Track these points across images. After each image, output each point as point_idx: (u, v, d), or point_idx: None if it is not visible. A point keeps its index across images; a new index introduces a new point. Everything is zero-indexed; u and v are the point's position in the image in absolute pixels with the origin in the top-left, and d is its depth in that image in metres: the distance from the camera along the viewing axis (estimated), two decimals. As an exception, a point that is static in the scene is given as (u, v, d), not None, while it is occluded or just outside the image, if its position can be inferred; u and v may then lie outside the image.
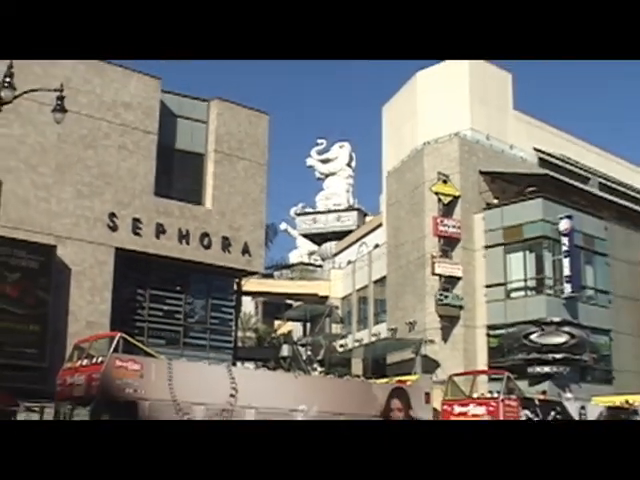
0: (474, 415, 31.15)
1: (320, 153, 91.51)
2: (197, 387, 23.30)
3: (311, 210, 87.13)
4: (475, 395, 33.74)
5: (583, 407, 35.19)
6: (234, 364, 33.39)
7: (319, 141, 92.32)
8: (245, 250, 36.39)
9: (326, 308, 61.78)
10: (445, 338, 47.07)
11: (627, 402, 38.41)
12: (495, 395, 31.84)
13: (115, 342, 22.01)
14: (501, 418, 30.21)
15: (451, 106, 50.57)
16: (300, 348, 56.15)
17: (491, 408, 30.66)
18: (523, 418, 31.10)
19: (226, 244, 35.81)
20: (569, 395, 40.37)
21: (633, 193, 61.23)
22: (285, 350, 52.12)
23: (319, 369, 50.92)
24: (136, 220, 33.43)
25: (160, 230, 33.99)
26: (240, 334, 50.27)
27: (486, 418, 30.55)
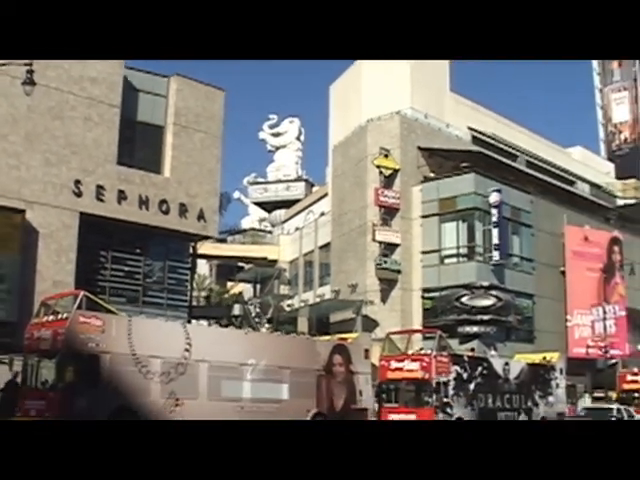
0: (409, 370, 31.56)
1: (271, 127, 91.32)
2: (154, 342, 23.43)
3: (262, 180, 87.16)
4: (410, 352, 34.12)
5: (507, 363, 35.83)
6: (189, 321, 33.46)
7: (271, 116, 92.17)
8: (200, 216, 36.38)
9: (275, 271, 61.97)
10: (384, 300, 47.58)
11: (545, 359, 39.17)
12: (428, 352, 32.23)
13: (79, 300, 22.06)
14: (433, 373, 30.65)
15: (393, 87, 50.75)
16: (250, 307, 56.19)
17: (424, 364, 31.07)
18: (453, 374, 31.58)
19: (183, 210, 35.77)
20: (494, 352, 41.00)
21: (556, 170, 62.02)
22: (236, 309, 52.03)
23: (267, 326, 51.04)
24: (99, 187, 33.26)
25: (122, 196, 33.86)
26: (195, 294, 50.27)
27: (420, 373, 30.98)
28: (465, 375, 32.39)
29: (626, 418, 37.45)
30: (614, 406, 40.00)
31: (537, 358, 39.22)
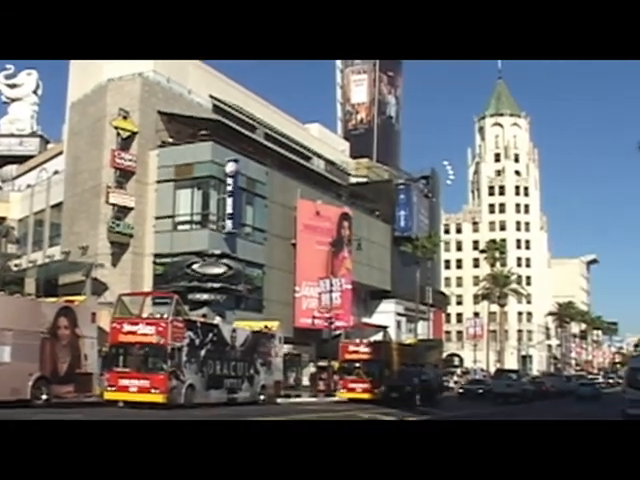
0: (143, 334, 31.17)
1: (7, 78, 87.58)
2: None
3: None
4: (144, 315, 33.80)
5: (234, 330, 36.60)
6: None
7: (7, 66, 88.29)
8: None
9: (2, 229, 60.01)
10: (115, 263, 47.25)
11: (266, 327, 40.32)
12: (165, 316, 32.00)
13: None
14: (169, 338, 30.58)
15: (136, 48, 50.10)
16: (-26, 266, 54.15)
17: (160, 328, 30.85)
18: (187, 339, 31.68)
19: None
20: (218, 318, 41.65)
21: (293, 145, 63.69)
22: (-42, 268, 50.06)
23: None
24: None
25: None
26: None
27: (155, 337, 30.76)
28: (197, 341, 32.64)
29: None
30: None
31: (259, 326, 40.20)
